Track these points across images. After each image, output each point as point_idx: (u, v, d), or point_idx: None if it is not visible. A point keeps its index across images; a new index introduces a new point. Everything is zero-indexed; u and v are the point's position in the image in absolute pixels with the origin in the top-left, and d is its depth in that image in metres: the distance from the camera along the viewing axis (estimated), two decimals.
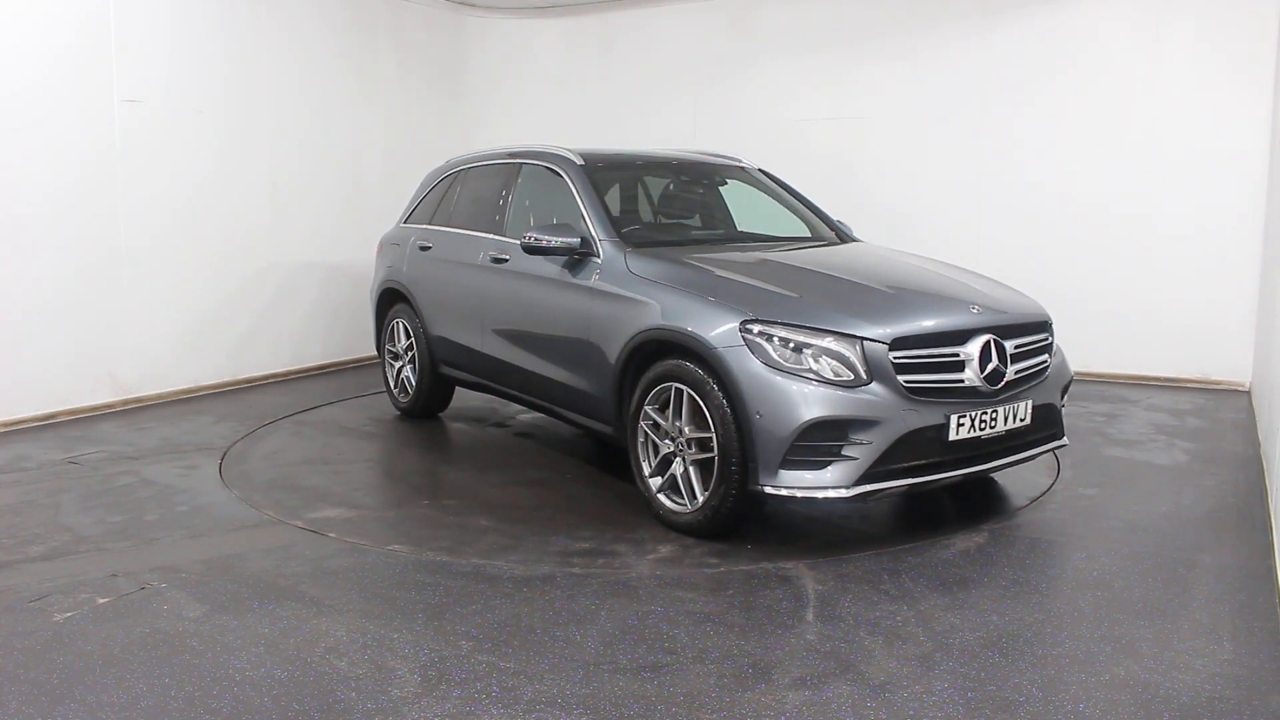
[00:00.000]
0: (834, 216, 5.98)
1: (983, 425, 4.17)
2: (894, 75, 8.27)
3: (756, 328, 4.07)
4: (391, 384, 6.77)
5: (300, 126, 8.05)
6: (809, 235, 5.68)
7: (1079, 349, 7.77)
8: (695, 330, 4.21)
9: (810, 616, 3.48)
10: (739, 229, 5.88)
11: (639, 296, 4.56)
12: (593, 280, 4.84)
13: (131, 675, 3.04)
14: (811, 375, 3.97)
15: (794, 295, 4.27)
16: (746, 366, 4.02)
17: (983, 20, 7.94)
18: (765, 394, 3.97)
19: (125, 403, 6.84)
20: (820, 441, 3.92)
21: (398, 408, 6.72)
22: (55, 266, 6.38)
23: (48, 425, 6.30)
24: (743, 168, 6.02)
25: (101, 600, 3.61)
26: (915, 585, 3.74)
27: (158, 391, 7.05)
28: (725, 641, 3.27)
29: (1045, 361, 4.55)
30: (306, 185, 8.13)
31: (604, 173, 5.51)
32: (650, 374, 4.40)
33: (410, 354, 6.51)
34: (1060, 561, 3.99)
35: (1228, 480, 5.09)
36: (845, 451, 3.93)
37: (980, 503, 4.75)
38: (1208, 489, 4.94)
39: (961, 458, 4.19)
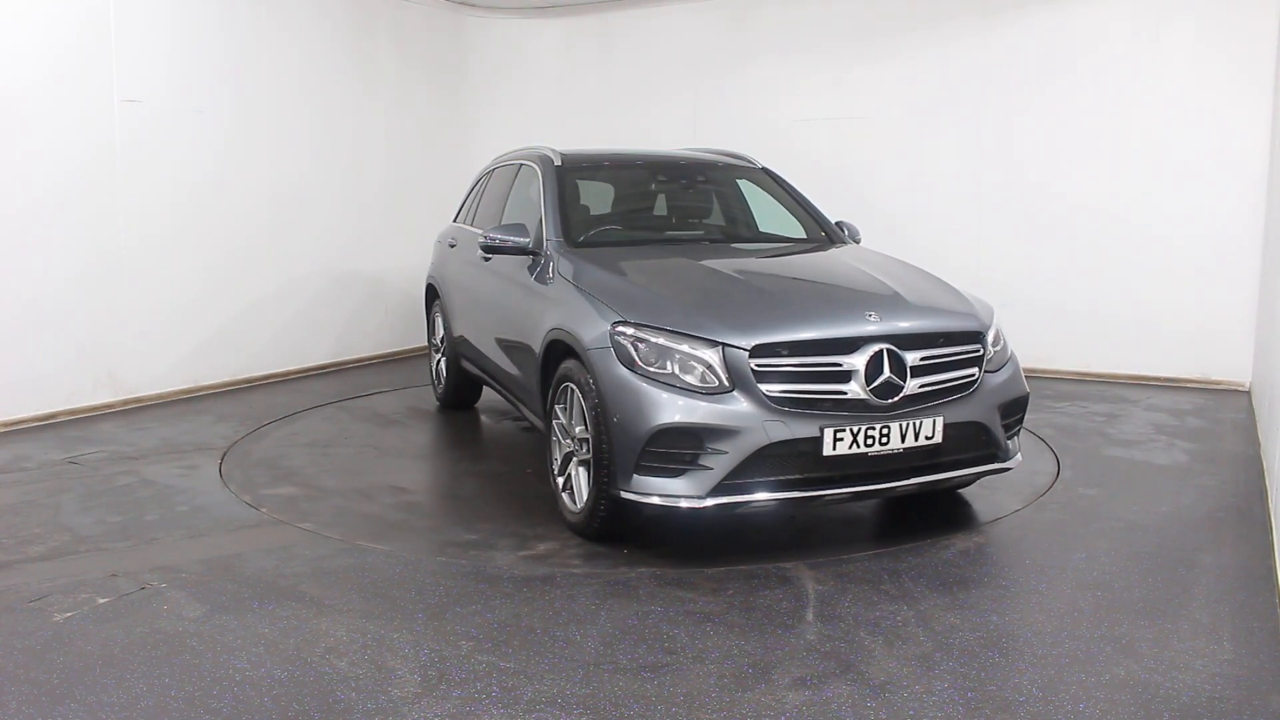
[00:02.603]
0: (837, 216, 5.93)
1: (869, 441, 3.88)
2: (894, 75, 8.27)
3: (625, 330, 4.02)
4: (431, 375, 7.11)
5: (300, 126, 8.05)
6: (802, 236, 5.60)
7: (1079, 349, 7.81)
8: (575, 331, 4.25)
9: (810, 616, 3.48)
10: (731, 229, 5.80)
11: (556, 296, 4.62)
12: (532, 279, 4.93)
13: (131, 675, 3.04)
14: (673, 380, 3.87)
15: (674, 299, 4.17)
16: (610, 368, 3.99)
17: (983, 20, 7.94)
18: (623, 397, 3.91)
19: (125, 403, 6.84)
20: (674, 449, 3.81)
21: (435, 398, 7.02)
22: (56, 267, 6.38)
23: (48, 425, 6.30)
24: (744, 167, 5.95)
25: (101, 600, 3.61)
26: (915, 585, 3.74)
27: (158, 391, 7.05)
28: (725, 641, 3.27)
29: (971, 375, 4.16)
30: (307, 185, 8.13)
31: (584, 172, 5.58)
32: (557, 373, 4.44)
33: (443, 347, 6.76)
34: (1060, 561, 3.99)
35: (1228, 480, 5.08)
36: (702, 461, 3.80)
37: (980, 503, 4.75)
38: (1208, 489, 4.94)
39: (853, 475, 3.93)
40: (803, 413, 3.84)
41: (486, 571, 3.91)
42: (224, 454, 5.66)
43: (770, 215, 5.87)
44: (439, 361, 6.87)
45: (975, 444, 4.20)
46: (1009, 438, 4.36)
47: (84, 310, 6.56)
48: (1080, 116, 7.63)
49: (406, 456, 5.83)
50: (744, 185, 5.97)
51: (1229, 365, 7.34)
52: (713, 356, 3.87)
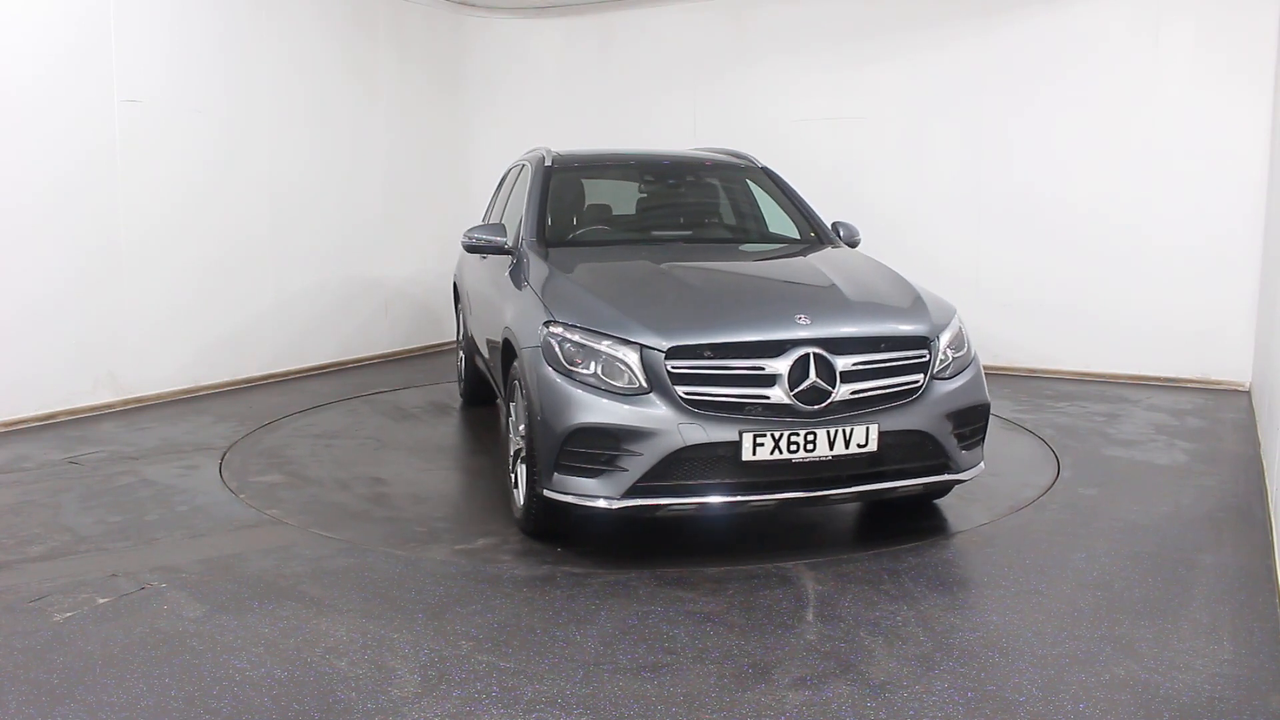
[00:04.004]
0: (837, 216, 5.89)
1: (792, 448, 3.78)
2: (894, 75, 8.27)
3: (554, 330, 4.03)
4: (457, 372, 7.28)
5: (300, 126, 8.05)
6: (795, 237, 5.53)
7: (1079, 348, 7.82)
8: (517, 330, 4.29)
9: (810, 616, 3.48)
10: (720, 229, 5.76)
11: (516, 296, 4.67)
12: (507, 278, 4.97)
13: (131, 675, 3.04)
14: (595, 381, 3.86)
15: (611, 300, 4.14)
16: (538, 367, 4.01)
17: (983, 20, 7.94)
18: (546, 396, 3.92)
19: (125, 403, 6.84)
20: (591, 449, 3.80)
21: (459, 394, 7.19)
22: (56, 267, 6.38)
23: (48, 425, 6.30)
24: (743, 167, 5.91)
25: (101, 600, 3.61)
26: (915, 585, 3.74)
27: (158, 391, 7.05)
28: (725, 641, 3.27)
29: (914, 382, 4.01)
30: (306, 185, 8.13)
31: (576, 172, 5.62)
32: (510, 372, 4.48)
33: (462, 344, 6.94)
34: (1060, 561, 3.99)
35: (1228, 480, 5.08)
36: (619, 462, 3.77)
37: (980, 503, 4.75)
38: (1208, 489, 4.94)
39: (777, 482, 3.84)
40: (723, 416, 3.77)
41: (486, 571, 3.91)
42: (224, 454, 5.65)
43: (768, 215, 5.86)
44: (461, 359, 7.04)
45: (921, 454, 4.02)
46: (966, 448, 4.16)
47: (84, 310, 6.57)
48: (1080, 116, 7.63)
49: (404, 450, 5.85)
50: (742, 185, 5.94)
51: (1229, 365, 7.34)
52: (632, 357, 3.85)
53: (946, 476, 4.12)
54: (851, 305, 4.20)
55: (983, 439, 4.31)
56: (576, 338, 3.96)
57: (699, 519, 4.32)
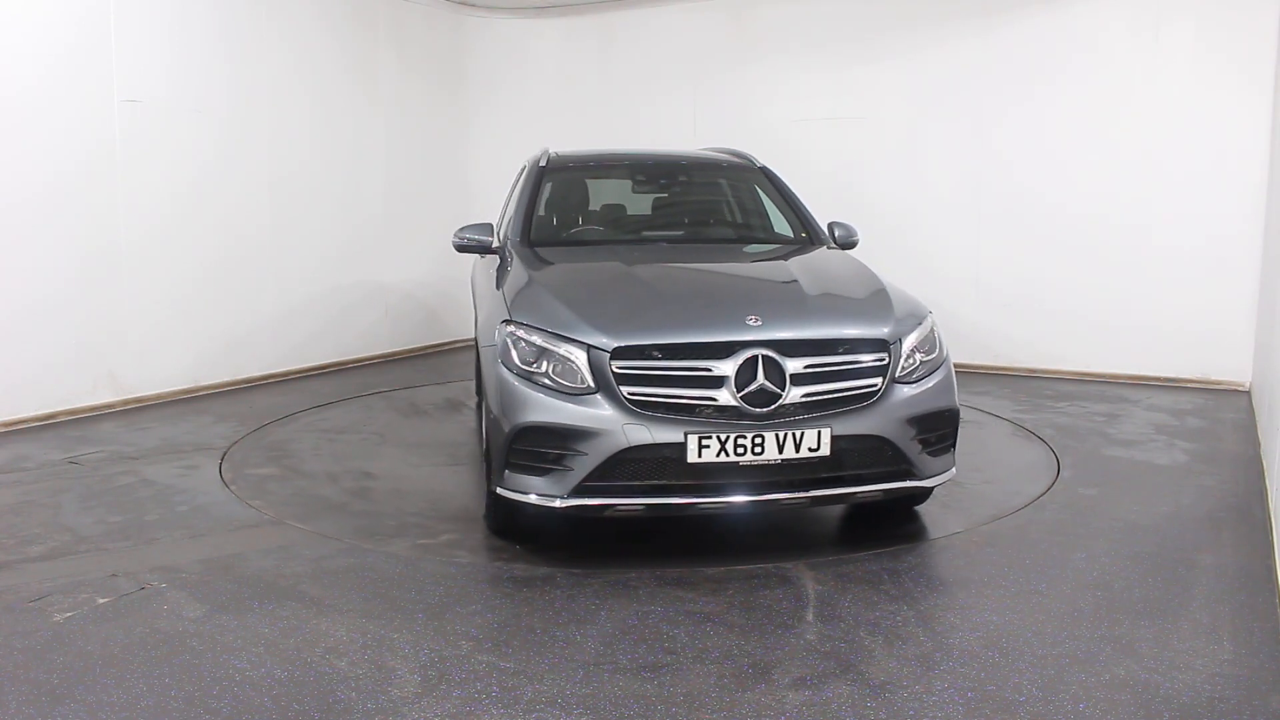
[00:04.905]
0: (836, 216, 5.87)
1: (739, 451, 3.73)
2: (893, 75, 8.27)
3: (510, 329, 4.06)
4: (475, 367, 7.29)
5: (300, 126, 8.05)
6: (789, 237, 5.50)
7: (1079, 348, 7.81)
8: (483, 329, 4.32)
9: (810, 616, 3.48)
10: (711, 229, 5.73)
11: (490, 295, 4.69)
12: (493, 277, 5.00)
13: (131, 675, 3.04)
14: (545, 381, 3.87)
15: (570, 301, 4.13)
16: (494, 366, 4.05)
17: (983, 20, 7.94)
18: (500, 395, 3.97)
19: (125, 403, 6.84)
20: (540, 448, 3.81)
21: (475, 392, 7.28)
22: (56, 267, 6.38)
23: (48, 425, 6.30)
24: (741, 166, 5.88)
25: (101, 600, 3.61)
26: (915, 585, 3.74)
27: (158, 391, 7.05)
28: (725, 641, 3.27)
29: (872, 386, 3.92)
30: (306, 185, 8.13)
31: (569, 172, 5.63)
32: (481, 370, 4.52)
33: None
34: (1060, 561, 3.99)
35: (1228, 480, 5.08)
36: (566, 461, 3.77)
37: (979, 503, 4.75)
38: (1208, 489, 4.94)
39: (726, 485, 3.80)
40: (669, 418, 3.75)
41: (486, 571, 3.91)
42: (224, 454, 5.65)
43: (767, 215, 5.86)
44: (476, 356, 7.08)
45: (880, 459, 3.93)
46: (932, 454, 4.05)
47: (84, 310, 6.57)
48: (1080, 116, 7.63)
49: (404, 446, 5.88)
50: (739, 185, 5.91)
51: (1229, 365, 7.34)
52: (581, 358, 3.85)
53: (909, 483, 4.00)
54: (808, 308, 4.14)
55: (952, 445, 4.20)
56: (531, 337, 3.99)
57: (670, 519, 4.37)
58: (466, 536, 4.33)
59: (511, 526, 4.28)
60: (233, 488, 4.99)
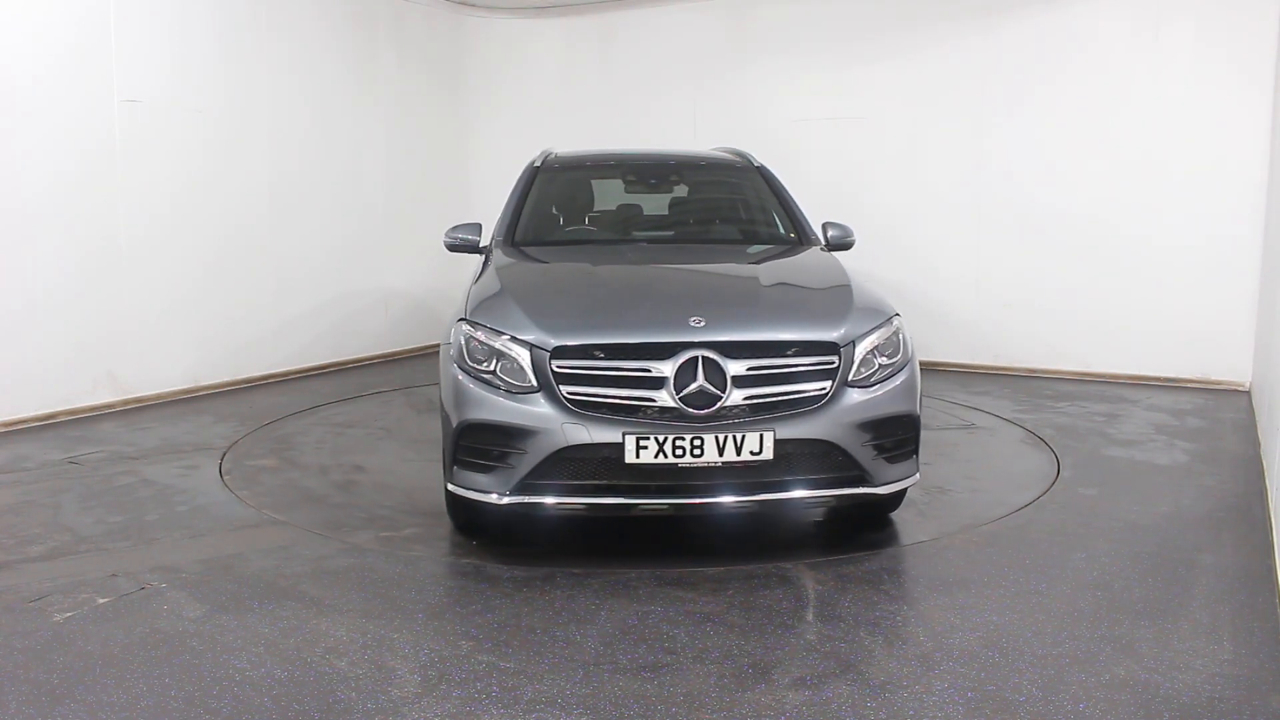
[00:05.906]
0: (835, 216, 5.85)
1: (677, 452, 3.70)
2: (893, 75, 8.27)
3: (464, 327, 4.11)
4: None
5: (300, 126, 8.05)
6: (781, 236, 5.44)
7: (1079, 348, 7.82)
8: (448, 327, 4.36)
9: (810, 616, 3.48)
10: (700, 229, 5.70)
11: (467, 293, 4.71)
12: (478, 275, 5.00)
13: (131, 675, 3.04)
14: (492, 379, 3.91)
15: (526, 300, 4.16)
16: (447, 364, 4.11)
17: (983, 20, 7.94)
18: (449, 392, 4.04)
19: (125, 403, 6.84)
20: (485, 445, 3.87)
21: None
22: (55, 266, 6.38)
23: (48, 425, 6.30)
24: (737, 166, 5.84)
25: (101, 600, 3.61)
26: (915, 585, 3.74)
27: (158, 391, 7.05)
28: (725, 641, 3.27)
29: (820, 389, 3.84)
30: (306, 184, 8.13)
31: (562, 173, 5.64)
32: None
33: None
34: (1060, 561, 3.99)
35: (1228, 480, 5.08)
36: (509, 459, 3.82)
37: (979, 503, 4.75)
38: (1208, 489, 4.94)
39: (670, 487, 3.80)
40: (609, 418, 3.75)
41: (486, 571, 3.91)
42: (224, 454, 5.65)
43: (764, 215, 5.83)
44: None
45: (829, 465, 3.85)
46: (889, 460, 3.96)
47: (84, 310, 6.56)
48: (1080, 116, 7.63)
49: (404, 441, 5.93)
50: (735, 185, 5.86)
51: (1229, 365, 7.34)
52: (525, 357, 3.88)
53: (862, 490, 3.91)
54: (757, 310, 4.11)
55: (913, 452, 4.09)
56: (482, 336, 4.02)
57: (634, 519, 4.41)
58: (428, 531, 4.40)
59: (473, 523, 4.35)
60: (232, 488, 5.00)
